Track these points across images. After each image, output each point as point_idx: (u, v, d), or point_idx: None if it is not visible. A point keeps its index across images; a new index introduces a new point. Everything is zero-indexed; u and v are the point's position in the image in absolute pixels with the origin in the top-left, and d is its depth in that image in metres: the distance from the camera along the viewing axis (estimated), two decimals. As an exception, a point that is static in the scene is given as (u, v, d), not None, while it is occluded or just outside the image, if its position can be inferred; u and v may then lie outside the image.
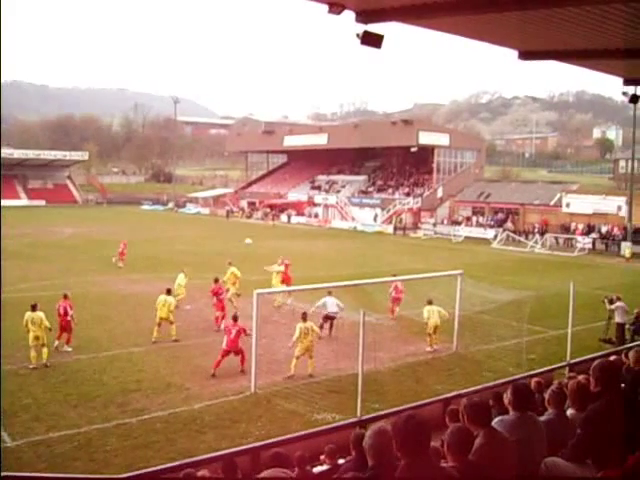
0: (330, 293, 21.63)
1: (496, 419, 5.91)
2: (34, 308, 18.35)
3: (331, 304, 21.35)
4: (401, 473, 3.94)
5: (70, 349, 19.42)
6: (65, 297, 20.02)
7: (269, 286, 25.41)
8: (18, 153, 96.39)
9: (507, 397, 6.29)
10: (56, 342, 19.40)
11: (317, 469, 8.22)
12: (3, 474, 5.28)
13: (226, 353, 17.95)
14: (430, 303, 21.19)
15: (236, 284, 26.12)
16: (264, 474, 6.51)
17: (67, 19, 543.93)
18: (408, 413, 4.24)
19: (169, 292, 22.01)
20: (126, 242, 38.57)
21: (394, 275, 26.23)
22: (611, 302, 22.16)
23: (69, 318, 19.45)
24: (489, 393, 8.71)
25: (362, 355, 12.89)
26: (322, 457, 8.62)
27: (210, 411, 14.98)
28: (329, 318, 21.49)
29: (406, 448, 3.97)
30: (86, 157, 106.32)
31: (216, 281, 23.80)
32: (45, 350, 18.06)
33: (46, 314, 18.54)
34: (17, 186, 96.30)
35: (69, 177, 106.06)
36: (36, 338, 17.92)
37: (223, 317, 22.61)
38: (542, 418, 6.84)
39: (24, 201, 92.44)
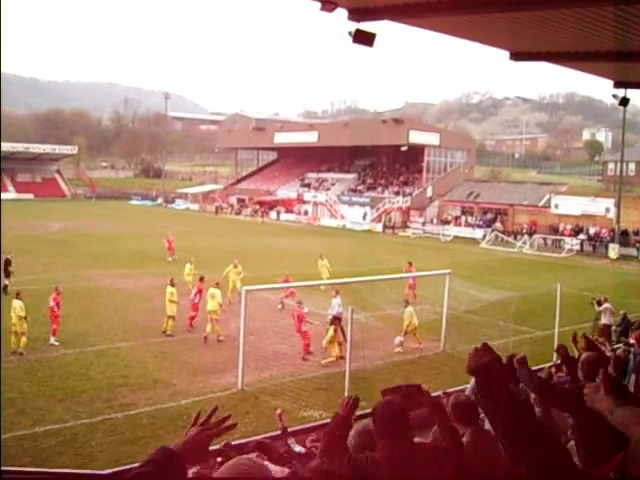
0: (337, 293, 21.58)
1: None
2: (17, 295, 19.18)
3: (337, 305, 21.16)
4: (380, 451, 3.96)
5: (57, 342, 19.45)
6: (56, 290, 20.50)
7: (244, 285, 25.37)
8: (6, 146, 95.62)
9: None
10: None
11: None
12: (3, 468, 5.25)
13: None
14: (407, 304, 21.34)
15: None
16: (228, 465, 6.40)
17: (58, 12, 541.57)
18: (386, 398, 4.32)
19: (171, 282, 22.51)
20: (170, 237, 38.87)
21: (410, 264, 28.83)
22: (599, 304, 22.28)
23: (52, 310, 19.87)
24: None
25: (350, 353, 12.92)
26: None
27: (197, 407, 14.89)
28: (337, 319, 20.44)
29: (384, 430, 4.02)
30: (75, 151, 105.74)
31: (201, 279, 23.65)
32: (23, 339, 18.45)
33: (32, 308, 18.71)
34: (5, 179, 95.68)
35: (58, 171, 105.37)
36: (14, 324, 18.46)
37: (194, 317, 22.59)
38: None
39: (12, 194, 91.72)
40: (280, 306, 25.04)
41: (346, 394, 12.40)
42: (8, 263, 27.17)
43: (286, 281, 25.48)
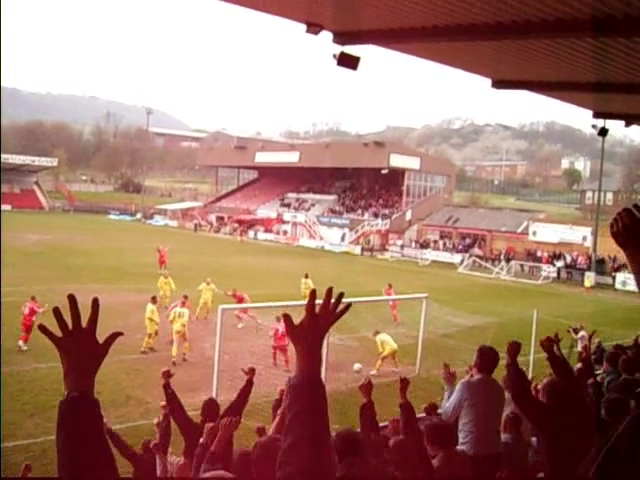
0: None
1: (462, 380, 6.42)
2: None
3: None
4: (339, 472, 4.04)
5: (25, 347, 19.53)
6: (33, 299, 20.46)
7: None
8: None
9: (474, 360, 6.81)
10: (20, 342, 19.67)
11: None
12: (3, 476, 5.22)
13: (274, 349, 20.13)
14: (377, 332, 21.32)
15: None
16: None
17: (42, 24, 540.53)
18: (345, 427, 4.52)
19: (153, 300, 22.18)
20: (163, 249, 38.90)
21: (389, 286, 29.08)
22: (576, 331, 22.45)
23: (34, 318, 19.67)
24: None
25: (325, 375, 12.85)
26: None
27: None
28: None
29: (343, 454, 4.16)
30: (55, 163, 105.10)
31: (185, 298, 23.45)
32: None
33: (5, 320, 18.51)
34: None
35: (37, 183, 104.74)
36: None
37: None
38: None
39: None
40: (257, 327, 24.90)
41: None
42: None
43: (233, 295, 25.55)
